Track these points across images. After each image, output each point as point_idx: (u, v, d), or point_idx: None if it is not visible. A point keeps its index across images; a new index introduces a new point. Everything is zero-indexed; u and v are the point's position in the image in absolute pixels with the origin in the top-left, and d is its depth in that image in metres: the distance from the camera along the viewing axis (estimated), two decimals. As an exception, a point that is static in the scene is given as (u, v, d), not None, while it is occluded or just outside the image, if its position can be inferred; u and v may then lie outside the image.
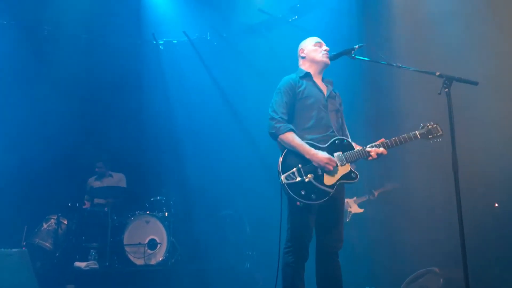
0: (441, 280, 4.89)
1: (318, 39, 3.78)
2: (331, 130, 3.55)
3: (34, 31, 7.44)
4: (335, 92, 3.76)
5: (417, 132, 3.47)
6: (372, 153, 3.45)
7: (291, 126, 3.45)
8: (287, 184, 3.32)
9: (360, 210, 6.09)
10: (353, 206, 6.05)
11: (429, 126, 3.48)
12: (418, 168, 5.70)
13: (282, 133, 3.42)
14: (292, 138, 3.40)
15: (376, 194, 6.16)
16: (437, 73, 3.10)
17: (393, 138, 3.47)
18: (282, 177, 3.34)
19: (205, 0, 7.39)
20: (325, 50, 3.70)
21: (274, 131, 3.45)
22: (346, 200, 6.02)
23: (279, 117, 3.46)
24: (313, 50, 3.72)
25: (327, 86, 3.74)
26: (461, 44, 5.39)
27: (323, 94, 3.66)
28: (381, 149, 3.45)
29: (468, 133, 4.99)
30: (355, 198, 6.13)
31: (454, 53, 5.38)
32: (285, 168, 3.37)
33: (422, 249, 5.49)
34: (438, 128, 3.46)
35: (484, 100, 5.05)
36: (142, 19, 7.65)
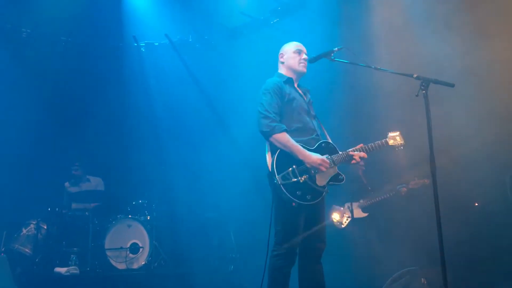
0: (423, 279, 4.92)
1: (299, 46, 3.79)
2: (315, 134, 3.63)
3: (12, 33, 7.32)
4: (311, 100, 3.84)
5: (387, 140, 3.68)
6: (355, 157, 3.56)
7: (285, 127, 3.47)
8: (283, 184, 3.33)
9: (364, 214, 5.89)
10: (355, 211, 5.82)
11: (394, 135, 3.70)
12: (397, 166, 5.75)
13: (277, 133, 3.42)
14: (287, 138, 3.42)
15: (404, 190, 5.77)
16: (415, 75, 3.13)
17: (370, 144, 3.65)
18: (278, 177, 3.33)
19: (187, 2, 7.35)
20: (303, 59, 3.74)
21: (268, 129, 3.43)
22: (346, 205, 5.94)
23: (273, 116, 3.47)
24: (292, 58, 3.74)
25: (305, 93, 3.81)
26: (437, 45, 5.47)
27: (304, 100, 3.73)
28: (363, 153, 3.59)
29: (446, 134, 5.05)
30: (361, 201, 5.92)
31: (431, 54, 5.46)
32: (280, 168, 3.37)
33: (404, 250, 5.53)
34: (401, 137, 3.69)
35: (461, 100, 5.13)
36: (123, 21, 7.57)
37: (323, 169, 3.40)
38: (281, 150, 3.41)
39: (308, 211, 3.45)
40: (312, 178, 3.41)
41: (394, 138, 3.68)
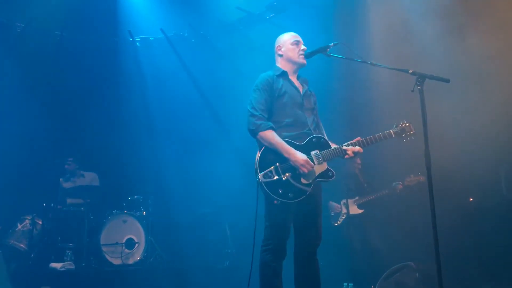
0: (417, 274, 4.95)
1: (296, 37, 3.75)
2: (307, 128, 3.57)
3: (6, 28, 7.27)
4: (310, 91, 3.77)
5: (391, 131, 3.56)
6: (348, 152, 3.49)
7: (271, 124, 3.44)
8: (265, 182, 3.32)
9: (360, 211, 5.91)
10: (351, 207, 5.83)
11: (403, 125, 3.57)
12: (393, 164, 5.77)
13: (262, 130, 3.40)
14: (272, 136, 3.39)
15: (399, 187, 5.76)
16: (410, 71, 3.12)
17: (369, 137, 3.53)
18: (260, 175, 3.33)
19: (182, -3, 7.34)
20: (302, 50, 3.69)
21: (254, 127, 3.42)
22: (342, 201, 5.96)
23: (260, 114, 3.45)
24: (290, 50, 3.70)
25: (302, 85, 3.75)
26: (433, 41, 5.48)
27: (299, 93, 3.68)
28: (357, 148, 3.50)
29: (442, 129, 5.07)
30: (357, 198, 5.95)
31: (426, 50, 5.47)
32: (263, 166, 3.36)
33: (399, 245, 5.56)
34: (411, 127, 3.55)
35: (456, 95, 5.15)
36: (118, 15, 7.54)
37: (305, 170, 3.34)
38: (266, 148, 3.40)
39: (297, 207, 3.43)
40: (297, 176, 3.37)
41: (402, 128, 3.55)
